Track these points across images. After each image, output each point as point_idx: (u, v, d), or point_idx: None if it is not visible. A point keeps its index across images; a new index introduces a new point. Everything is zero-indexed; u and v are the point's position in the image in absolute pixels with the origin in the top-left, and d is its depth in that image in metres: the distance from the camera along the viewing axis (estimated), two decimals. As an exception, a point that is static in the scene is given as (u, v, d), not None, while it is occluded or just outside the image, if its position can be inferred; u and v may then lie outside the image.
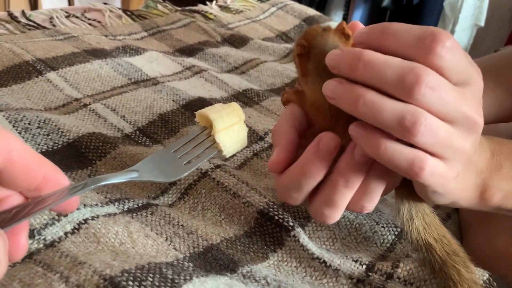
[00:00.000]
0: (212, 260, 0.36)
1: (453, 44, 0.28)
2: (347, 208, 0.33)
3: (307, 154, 0.32)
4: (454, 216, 0.53)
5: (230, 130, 0.36)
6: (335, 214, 0.33)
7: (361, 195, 0.32)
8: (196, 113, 0.37)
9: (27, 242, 0.25)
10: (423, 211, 0.36)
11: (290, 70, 0.77)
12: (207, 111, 0.36)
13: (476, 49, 2.61)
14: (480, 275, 0.39)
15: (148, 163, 0.32)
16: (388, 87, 0.28)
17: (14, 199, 0.25)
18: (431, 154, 0.29)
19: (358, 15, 2.33)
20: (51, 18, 0.77)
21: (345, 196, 0.32)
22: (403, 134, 0.28)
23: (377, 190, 0.32)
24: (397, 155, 0.28)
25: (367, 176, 0.32)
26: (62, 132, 0.46)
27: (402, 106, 0.28)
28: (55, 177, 0.25)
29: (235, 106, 0.37)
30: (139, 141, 0.51)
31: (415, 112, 0.27)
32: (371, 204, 0.33)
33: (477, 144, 0.32)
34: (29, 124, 0.45)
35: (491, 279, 0.40)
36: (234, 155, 0.50)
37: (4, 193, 0.25)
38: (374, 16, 2.41)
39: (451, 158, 0.30)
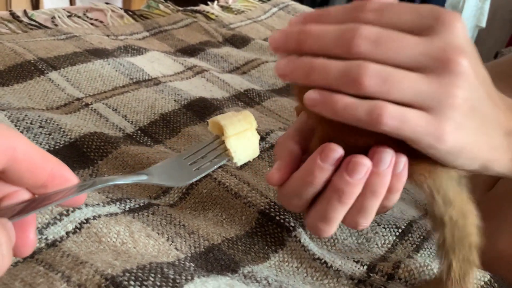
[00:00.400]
0: (213, 260, 0.36)
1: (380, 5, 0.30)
2: (342, 222, 0.33)
3: (309, 164, 0.32)
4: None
5: (241, 136, 0.36)
6: (330, 229, 0.33)
7: (355, 212, 0.32)
8: (209, 121, 0.37)
9: (36, 238, 0.26)
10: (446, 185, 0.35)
11: (291, 70, 0.77)
12: (219, 117, 0.36)
13: (478, 50, 2.59)
14: (481, 276, 0.39)
15: (158, 167, 0.32)
16: (332, 51, 0.29)
17: (22, 194, 0.25)
18: (405, 105, 0.28)
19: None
20: (53, 17, 0.77)
21: (339, 211, 0.32)
22: (352, 88, 0.28)
23: (372, 207, 0.32)
24: (355, 108, 0.28)
25: (362, 193, 0.31)
26: (63, 131, 0.46)
27: (346, 63, 0.28)
28: (61, 174, 0.25)
29: (247, 113, 0.37)
30: (141, 141, 0.51)
31: (357, 64, 0.28)
32: (365, 221, 0.32)
33: (483, 94, 0.30)
34: (31, 123, 0.45)
35: (492, 280, 0.40)
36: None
37: (12, 188, 0.25)
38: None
39: (435, 107, 0.29)
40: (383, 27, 0.29)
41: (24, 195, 0.25)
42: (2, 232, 0.21)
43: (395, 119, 0.28)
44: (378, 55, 0.28)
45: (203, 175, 0.33)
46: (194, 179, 0.33)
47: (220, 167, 0.45)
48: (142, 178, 0.30)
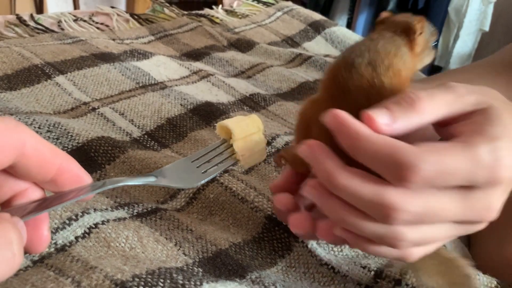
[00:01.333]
0: (221, 265, 0.36)
1: (430, 167, 0.26)
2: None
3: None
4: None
5: (248, 139, 0.36)
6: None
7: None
8: (217, 125, 0.37)
9: (49, 234, 0.26)
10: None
11: (296, 74, 0.77)
12: (227, 121, 0.37)
13: (481, 54, 2.60)
14: (488, 282, 0.39)
15: (166, 170, 0.32)
16: (365, 210, 0.28)
17: (32, 192, 0.25)
18: None
19: (362, 19, 2.34)
20: (59, 21, 0.77)
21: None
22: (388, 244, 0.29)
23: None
24: (386, 252, 0.30)
25: None
26: (71, 136, 0.47)
27: (382, 229, 0.28)
28: (70, 168, 0.25)
29: (254, 117, 0.38)
30: (148, 145, 0.51)
31: (393, 235, 0.28)
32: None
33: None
34: (39, 128, 0.46)
35: (499, 286, 0.40)
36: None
37: (21, 186, 0.25)
38: (379, 20, 2.40)
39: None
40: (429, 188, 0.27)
41: (35, 193, 0.25)
42: (14, 231, 0.21)
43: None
44: (416, 232, 0.28)
45: (211, 177, 0.34)
46: (202, 182, 0.33)
47: (227, 170, 0.45)
48: (150, 179, 0.31)
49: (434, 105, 0.29)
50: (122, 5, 3.45)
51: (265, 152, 0.38)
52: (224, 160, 0.36)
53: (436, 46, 0.41)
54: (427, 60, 0.39)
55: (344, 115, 0.28)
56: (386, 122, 0.28)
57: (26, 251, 0.25)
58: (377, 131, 0.28)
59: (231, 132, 0.36)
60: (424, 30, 0.36)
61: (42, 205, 0.25)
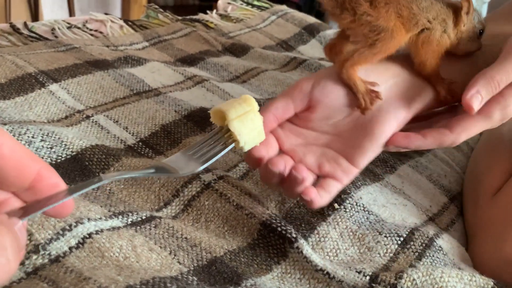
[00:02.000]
0: (216, 273, 0.36)
1: None
2: None
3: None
4: (458, 222, 0.53)
5: (243, 118, 0.35)
6: None
7: None
8: (210, 112, 0.37)
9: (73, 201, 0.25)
10: None
11: (290, 78, 0.78)
12: (219, 106, 0.36)
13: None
14: (485, 284, 0.39)
15: (165, 162, 0.32)
16: None
17: (13, 202, 0.24)
18: None
19: None
20: (53, 29, 0.77)
21: None
22: None
23: None
24: None
25: None
26: (65, 144, 0.46)
27: None
28: (49, 176, 0.25)
29: (246, 96, 0.36)
30: (142, 153, 0.51)
31: None
32: None
33: None
34: (32, 137, 0.46)
35: (496, 287, 0.40)
36: (240, 169, 0.51)
37: (2, 196, 0.24)
38: None
39: None
40: None
41: (15, 203, 0.24)
42: (9, 235, 0.21)
43: None
44: None
45: (210, 162, 0.33)
46: (203, 167, 0.33)
47: (221, 177, 0.45)
48: (150, 171, 0.30)
49: None
50: (117, 11, 3.45)
51: (263, 132, 0.37)
52: (222, 144, 0.35)
53: (481, 35, 0.45)
54: (471, 46, 0.45)
55: None
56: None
57: (51, 215, 0.25)
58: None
59: (225, 114, 0.35)
60: (470, 10, 0.42)
61: (37, 205, 0.24)
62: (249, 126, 0.35)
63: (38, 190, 0.24)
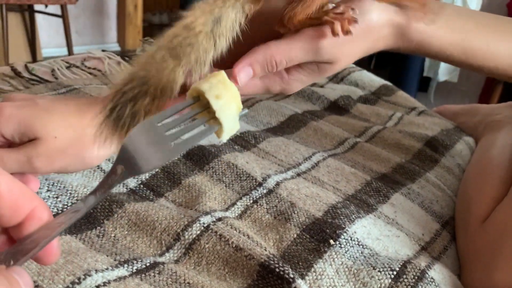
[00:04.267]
0: (218, 319, 0.38)
1: None
2: None
3: None
4: (450, 248, 0.55)
5: (226, 104, 0.32)
6: None
7: None
8: (187, 93, 0.34)
9: (59, 247, 0.26)
10: None
11: (284, 107, 0.80)
12: (199, 85, 0.33)
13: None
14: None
15: (129, 150, 0.28)
16: None
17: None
18: None
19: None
20: (53, 70, 0.80)
21: None
22: None
23: None
24: None
25: None
26: (70, 193, 0.49)
27: None
28: (40, 216, 0.25)
29: (223, 75, 0.34)
30: (144, 195, 0.53)
31: None
32: None
33: None
34: (39, 188, 0.48)
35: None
36: (236, 204, 0.53)
37: None
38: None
39: None
40: None
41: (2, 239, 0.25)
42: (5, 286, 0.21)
43: None
44: None
45: (188, 147, 0.30)
46: (178, 155, 0.30)
47: (220, 218, 0.47)
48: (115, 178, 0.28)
49: None
50: (113, 31, 3.49)
51: (237, 119, 0.34)
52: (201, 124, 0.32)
53: None
54: None
55: None
56: None
57: (39, 262, 0.25)
58: None
59: (210, 104, 0.32)
60: None
61: (33, 244, 0.24)
62: (229, 115, 0.32)
63: (25, 229, 0.25)
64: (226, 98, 0.32)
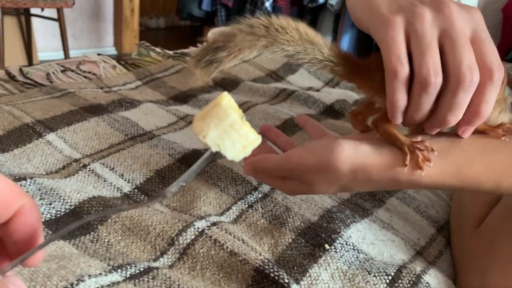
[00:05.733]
0: (212, 325, 0.37)
1: None
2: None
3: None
4: (446, 253, 0.55)
5: (226, 131, 0.29)
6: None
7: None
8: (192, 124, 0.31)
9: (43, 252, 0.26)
10: None
11: (280, 111, 0.80)
12: (198, 121, 0.30)
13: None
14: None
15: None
16: None
17: None
18: None
19: (346, 40, 2.38)
20: (48, 74, 0.79)
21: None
22: None
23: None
24: None
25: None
26: (63, 199, 0.48)
27: None
28: (29, 213, 0.25)
29: (222, 99, 0.30)
30: (138, 200, 0.53)
31: None
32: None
33: None
34: (32, 196, 0.47)
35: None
36: (232, 210, 0.52)
37: None
38: (362, 40, 2.45)
39: None
40: None
41: None
42: None
43: None
44: None
45: (190, 173, 0.30)
46: (185, 181, 0.30)
47: (215, 223, 0.47)
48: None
49: None
50: (109, 35, 3.49)
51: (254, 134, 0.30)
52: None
53: None
54: (502, 117, 0.45)
55: None
56: None
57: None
58: None
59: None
60: (504, 81, 0.43)
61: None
62: (233, 137, 0.30)
63: (11, 226, 0.25)
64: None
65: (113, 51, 3.49)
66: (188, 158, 0.60)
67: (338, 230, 0.49)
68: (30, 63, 2.93)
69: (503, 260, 0.47)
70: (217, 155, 0.30)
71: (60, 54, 2.82)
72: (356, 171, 0.41)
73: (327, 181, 0.43)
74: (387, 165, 0.41)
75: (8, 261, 0.27)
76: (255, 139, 0.30)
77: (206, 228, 0.47)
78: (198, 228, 0.46)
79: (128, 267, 0.42)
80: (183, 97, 0.82)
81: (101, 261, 0.42)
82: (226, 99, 0.29)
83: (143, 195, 0.54)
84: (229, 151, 0.30)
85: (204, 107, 0.30)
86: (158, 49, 0.97)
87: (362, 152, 0.42)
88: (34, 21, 2.93)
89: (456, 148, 0.42)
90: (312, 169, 0.43)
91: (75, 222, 0.28)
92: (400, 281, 0.45)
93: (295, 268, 0.45)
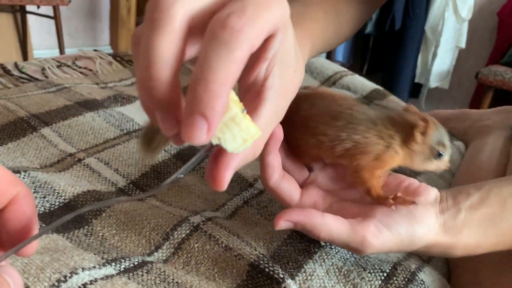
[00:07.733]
0: (206, 319, 0.37)
1: None
2: None
3: None
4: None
5: (226, 123, 0.29)
6: None
7: None
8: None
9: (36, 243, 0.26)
10: None
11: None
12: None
13: (459, 70, 2.67)
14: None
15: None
16: None
17: None
18: None
19: (341, 44, 2.38)
20: (43, 69, 0.79)
21: None
22: None
23: None
24: None
25: None
26: (58, 193, 0.48)
27: None
28: (23, 201, 0.25)
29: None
30: (133, 195, 0.52)
31: None
32: None
33: None
34: (26, 186, 0.47)
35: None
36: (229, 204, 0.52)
37: None
38: (358, 42, 2.47)
39: None
40: None
41: None
42: None
43: None
44: None
45: (190, 163, 0.30)
46: (183, 173, 0.30)
47: (210, 218, 0.47)
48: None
49: None
50: (105, 35, 3.48)
51: (254, 128, 0.30)
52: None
53: (439, 157, 0.45)
54: (427, 166, 0.45)
55: None
56: None
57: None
58: None
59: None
60: (428, 131, 0.43)
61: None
62: (234, 130, 0.29)
63: (8, 214, 0.24)
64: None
65: (108, 49, 3.47)
66: (183, 154, 0.60)
67: (334, 227, 0.49)
68: (25, 60, 2.91)
69: (495, 259, 0.48)
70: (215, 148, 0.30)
71: (56, 52, 2.81)
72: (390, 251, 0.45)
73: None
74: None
75: (1, 250, 0.26)
76: (256, 133, 0.30)
77: (201, 223, 0.46)
78: (193, 223, 0.46)
79: (122, 260, 0.41)
80: (179, 94, 0.82)
81: (95, 254, 0.42)
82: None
83: (138, 190, 0.53)
84: (229, 144, 0.29)
85: None
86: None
87: (387, 243, 0.42)
88: (30, 18, 2.92)
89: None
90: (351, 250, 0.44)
91: (70, 214, 0.27)
92: (395, 278, 0.45)
93: (290, 264, 0.45)
